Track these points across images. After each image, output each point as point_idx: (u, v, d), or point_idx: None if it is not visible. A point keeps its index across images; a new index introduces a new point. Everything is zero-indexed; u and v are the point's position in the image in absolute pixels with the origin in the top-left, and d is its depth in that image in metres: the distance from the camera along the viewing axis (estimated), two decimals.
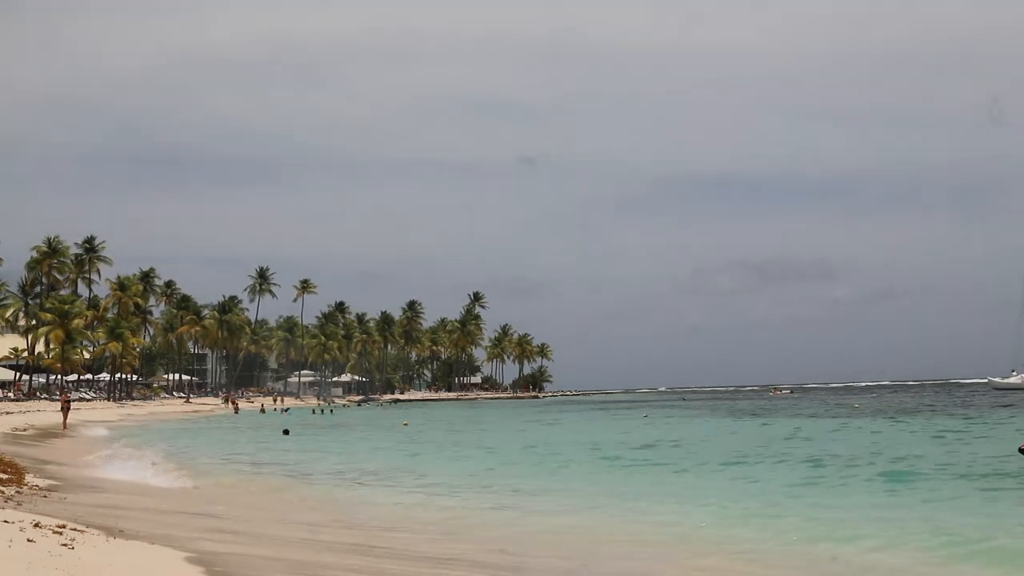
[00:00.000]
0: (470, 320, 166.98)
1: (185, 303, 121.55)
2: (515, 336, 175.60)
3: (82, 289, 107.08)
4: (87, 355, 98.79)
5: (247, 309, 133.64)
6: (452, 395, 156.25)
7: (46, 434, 41.60)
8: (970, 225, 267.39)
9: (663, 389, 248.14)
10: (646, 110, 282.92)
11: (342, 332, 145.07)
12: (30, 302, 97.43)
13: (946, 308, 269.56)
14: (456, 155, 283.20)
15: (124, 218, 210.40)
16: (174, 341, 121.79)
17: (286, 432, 48.60)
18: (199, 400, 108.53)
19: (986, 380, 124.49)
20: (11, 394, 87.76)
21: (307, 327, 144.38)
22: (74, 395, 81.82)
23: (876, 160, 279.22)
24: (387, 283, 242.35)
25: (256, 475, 25.85)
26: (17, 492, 15.51)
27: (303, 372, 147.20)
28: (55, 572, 8.69)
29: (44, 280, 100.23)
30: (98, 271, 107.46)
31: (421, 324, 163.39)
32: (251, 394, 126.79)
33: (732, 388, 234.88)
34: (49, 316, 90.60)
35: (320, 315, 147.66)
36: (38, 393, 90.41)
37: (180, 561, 10.34)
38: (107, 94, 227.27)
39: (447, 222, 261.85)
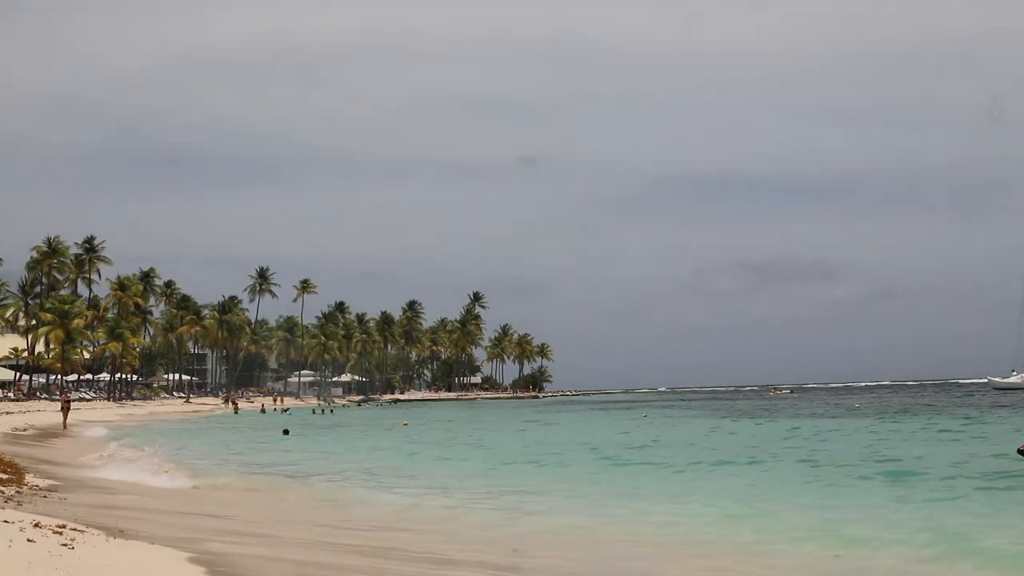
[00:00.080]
0: (470, 320, 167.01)
1: (185, 303, 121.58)
2: (515, 336, 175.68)
3: (82, 289, 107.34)
4: (87, 355, 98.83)
5: (247, 309, 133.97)
6: (452, 395, 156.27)
7: (46, 434, 41.60)
8: (970, 225, 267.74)
9: (663, 389, 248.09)
10: (646, 110, 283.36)
11: (342, 332, 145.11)
12: (30, 302, 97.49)
13: (946, 308, 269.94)
14: (456, 155, 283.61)
15: (124, 218, 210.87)
16: (174, 341, 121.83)
17: (286, 432, 48.59)
18: (199, 400, 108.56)
19: (986, 380, 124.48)
20: (11, 394, 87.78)
21: (307, 327, 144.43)
22: (74, 395, 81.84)
23: (876, 160, 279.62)
24: (387, 283, 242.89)
25: (256, 475, 25.84)
26: (17, 492, 15.51)
27: (303, 372, 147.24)
28: (55, 572, 8.69)
29: (44, 280, 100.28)
30: (98, 271, 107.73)
31: (421, 324, 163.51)
32: (251, 394, 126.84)
33: (732, 388, 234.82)
34: (49, 316, 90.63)
35: (320, 315, 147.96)
36: (38, 393, 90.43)
37: (180, 561, 10.34)
38: (107, 94, 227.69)
39: (447, 222, 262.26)
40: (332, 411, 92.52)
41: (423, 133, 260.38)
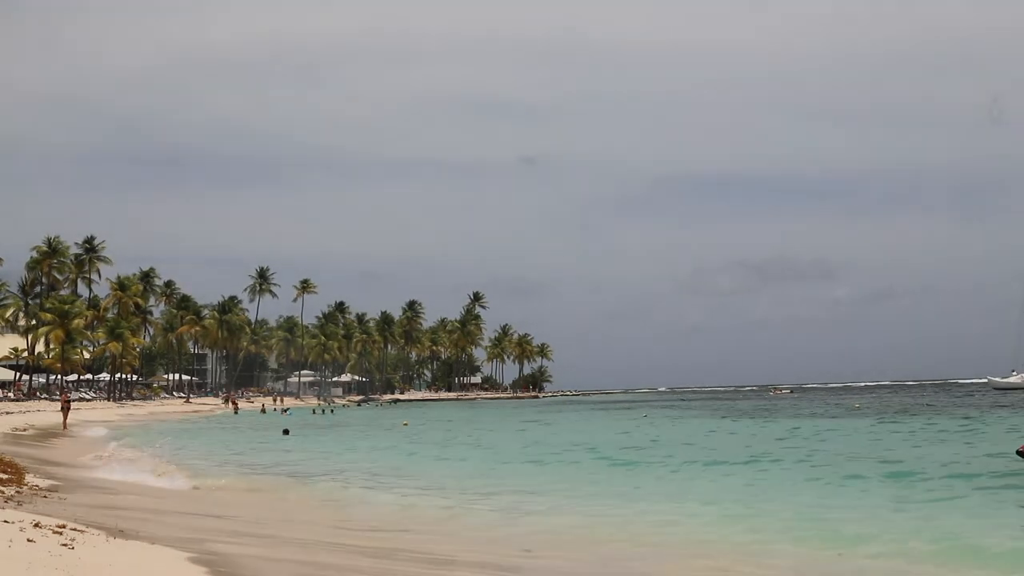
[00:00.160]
0: (470, 320, 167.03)
1: (185, 303, 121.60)
2: (515, 336, 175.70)
3: (82, 289, 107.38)
4: (87, 355, 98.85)
5: (247, 309, 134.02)
6: (452, 395, 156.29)
7: (46, 434, 41.60)
8: (970, 225, 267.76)
9: (663, 389, 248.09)
10: (646, 110, 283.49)
11: (342, 332, 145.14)
12: (30, 302, 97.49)
13: (946, 308, 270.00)
14: (456, 155, 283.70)
15: (124, 218, 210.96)
16: (174, 341, 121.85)
17: (286, 432, 48.60)
18: (199, 400, 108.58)
19: (986, 380, 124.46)
20: (11, 394, 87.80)
21: (307, 327, 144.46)
22: (74, 395, 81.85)
23: (876, 160, 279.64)
24: (387, 283, 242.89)
25: (256, 475, 25.84)
26: (17, 492, 15.51)
27: (303, 372, 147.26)
28: (55, 572, 8.69)
29: (44, 280, 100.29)
30: (98, 271, 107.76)
31: (421, 324, 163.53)
32: (251, 394, 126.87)
33: (732, 388, 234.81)
34: (49, 316, 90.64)
35: (320, 315, 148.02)
36: (38, 393, 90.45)
37: (181, 561, 10.34)
38: (107, 94, 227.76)
39: (447, 222, 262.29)
40: (332, 411, 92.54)
41: (423, 133, 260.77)
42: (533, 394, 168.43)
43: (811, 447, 32.38)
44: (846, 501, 18.39)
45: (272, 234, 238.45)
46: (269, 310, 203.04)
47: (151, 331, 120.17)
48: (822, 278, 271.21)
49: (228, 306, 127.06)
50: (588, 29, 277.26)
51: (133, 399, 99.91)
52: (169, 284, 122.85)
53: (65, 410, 49.84)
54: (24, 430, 42.38)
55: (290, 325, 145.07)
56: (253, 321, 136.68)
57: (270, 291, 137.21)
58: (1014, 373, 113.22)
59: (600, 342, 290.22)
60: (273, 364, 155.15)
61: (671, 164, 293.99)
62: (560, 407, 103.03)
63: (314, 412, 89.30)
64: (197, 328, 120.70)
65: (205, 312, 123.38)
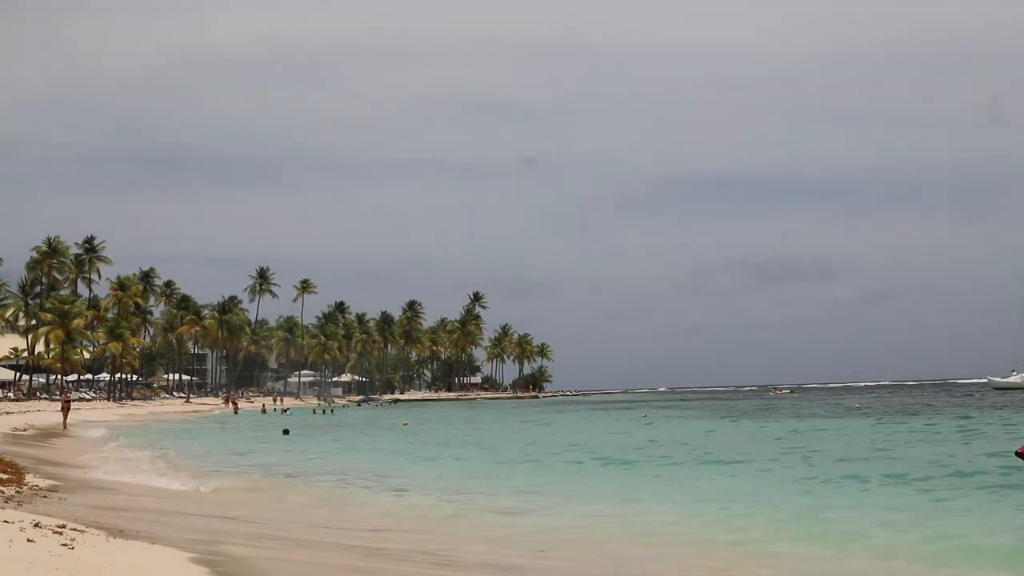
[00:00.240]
0: (470, 320, 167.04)
1: (185, 303, 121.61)
2: (515, 336, 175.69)
3: (82, 289, 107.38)
4: (87, 355, 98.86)
5: (247, 309, 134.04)
6: (452, 395, 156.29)
7: (46, 434, 41.61)
8: (970, 225, 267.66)
9: (663, 389, 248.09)
10: (646, 110, 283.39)
11: (342, 332, 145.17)
12: (30, 302, 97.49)
13: (946, 308, 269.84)
14: (456, 155, 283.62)
15: (124, 218, 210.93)
16: (174, 341, 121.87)
17: (286, 432, 48.61)
18: (199, 400, 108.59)
19: (986, 380, 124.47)
20: (11, 394, 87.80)
21: (307, 327, 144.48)
22: (74, 395, 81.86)
23: (876, 160, 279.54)
24: (387, 283, 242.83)
25: (256, 475, 25.84)
26: (17, 492, 15.52)
27: (303, 372, 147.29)
28: (55, 572, 8.70)
29: (44, 280, 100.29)
30: (98, 271, 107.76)
31: (421, 324, 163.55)
32: (251, 394, 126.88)
33: (732, 388, 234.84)
34: (49, 316, 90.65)
35: (320, 315, 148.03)
36: (38, 393, 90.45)
37: (181, 561, 10.35)
38: (107, 94, 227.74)
39: (447, 222, 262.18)
40: (332, 411, 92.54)
41: (423, 133, 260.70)
42: (533, 394, 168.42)
43: (811, 447, 32.38)
44: (846, 501, 18.41)
45: (272, 234, 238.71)
46: (269, 310, 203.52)
47: (151, 331, 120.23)
48: (822, 278, 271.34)
49: (228, 306, 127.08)
50: (588, 29, 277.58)
51: (133, 399, 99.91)
52: (169, 284, 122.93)
53: (65, 410, 49.86)
54: (24, 430, 42.39)
55: (290, 325, 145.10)
56: (253, 321, 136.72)
57: (270, 291, 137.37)
58: (1014, 373, 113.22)
59: (600, 342, 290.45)
60: (273, 364, 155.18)
61: (671, 164, 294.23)
62: (560, 407, 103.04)
63: (314, 412, 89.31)
64: (197, 328, 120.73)
65: (205, 312, 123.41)
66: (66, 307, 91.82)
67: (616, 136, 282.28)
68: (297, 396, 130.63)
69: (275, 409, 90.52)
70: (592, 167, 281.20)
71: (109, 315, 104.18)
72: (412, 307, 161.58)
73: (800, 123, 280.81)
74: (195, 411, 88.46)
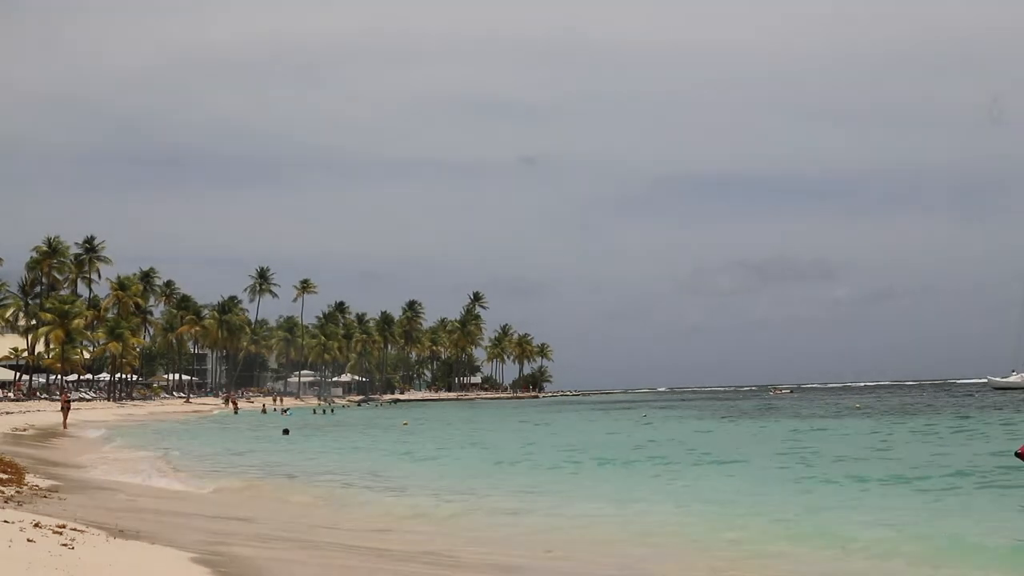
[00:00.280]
0: (470, 320, 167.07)
1: (185, 303, 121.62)
2: (515, 336, 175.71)
3: (82, 289, 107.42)
4: (87, 355, 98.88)
5: (247, 309, 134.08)
6: (452, 395, 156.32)
7: (46, 434, 41.63)
8: (970, 225, 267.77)
9: (663, 389, 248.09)
10: (646, 110, 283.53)
11: (342, 332, 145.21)
12: (30, 302, 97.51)
13: (946, 308, 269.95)
14: (456, 155, 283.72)
15: (124, 218, 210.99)
16: (174, 341, 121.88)
17: (286, 432, 48.61)
18: (199, 400, 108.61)
19: (986, 380, 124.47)
20: (11, 394, 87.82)
21: (307, 327, 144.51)
22: (74, 395, 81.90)
23: (876, 160, 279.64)
24: (387, 283, 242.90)
25: (256, 475, 25.84)
26: (17, 492, 15.52)
27: (303, 372, 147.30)
28: (55, 572, 8.70)
29: (44, 280, 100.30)
30: (98, 271, 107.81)
31: (421, 324, 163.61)
32: (251, 394, 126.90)
33: (732, 388, 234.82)
34: (49, 316, 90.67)
35: (320, 315, 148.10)
36: (38, 393, 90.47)
37: (181, 561, 10.36)
38: (107, 94, 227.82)
39: (447, 222, 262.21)
40: (332, 411, 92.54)
41: (423, 133, 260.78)
42: (533, 394, 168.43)
43: (811, 447, 32.39)
44: (845, 501, 18.40)
45: (272, 234, 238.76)
46: (269, 310, 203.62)
47: (151, 331, 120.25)
48: (822, 278, 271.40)
49: (228, 306, 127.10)
50: (588, 29, 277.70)
51: (133, 399, 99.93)
52: (169, 284, 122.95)
53: (65, 410, 49.89)
54: (24, 430, 42.41)
55: (290, 325, 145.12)
56: (253, 321, 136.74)
57: (270, 291, 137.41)
58: (1014, 373, 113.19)
59: (600, 342, 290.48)
60: (273, 364, 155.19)
61: (671, 164, 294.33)
62: (560, 407, 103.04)
63: (314, 412, 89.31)
64: (197, 328, 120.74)
65: (205, 312, 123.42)
66: (66, 307, 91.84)
67: (616, 136, 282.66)
68: (297, 396, 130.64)
69: (275, 409, 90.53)
70: (592, 167, 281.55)
71: (109, 315, 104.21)
72: (412, 307, 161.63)
73: (800, 123, 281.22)
74: (195, 411, 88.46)
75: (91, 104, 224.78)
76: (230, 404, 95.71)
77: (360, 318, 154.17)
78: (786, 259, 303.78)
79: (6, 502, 13.80)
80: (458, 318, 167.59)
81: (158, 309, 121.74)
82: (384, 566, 11.75)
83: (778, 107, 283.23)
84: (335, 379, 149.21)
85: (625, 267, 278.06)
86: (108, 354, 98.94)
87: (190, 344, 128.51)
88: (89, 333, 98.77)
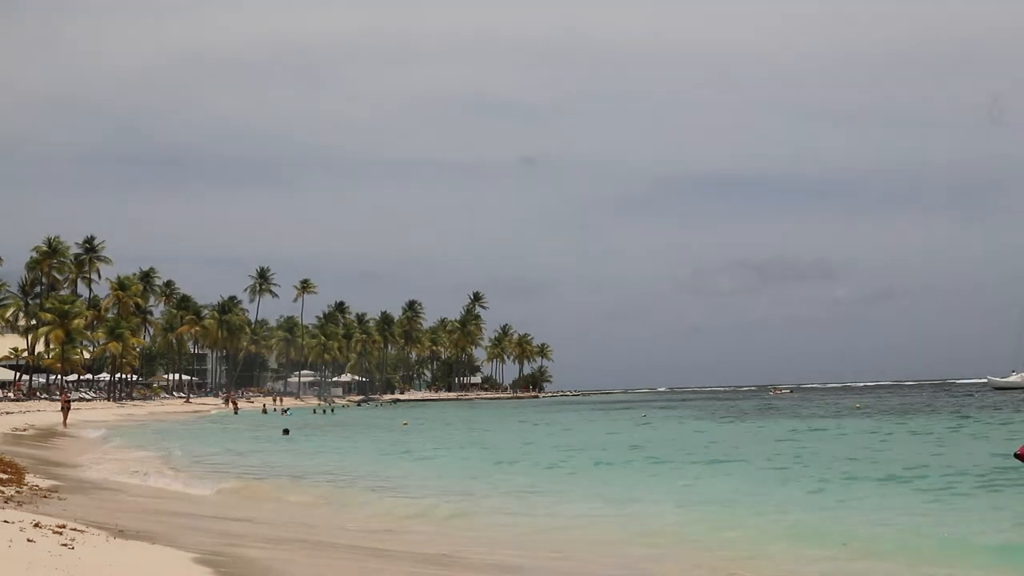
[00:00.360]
0: (470, 320, 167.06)
1: (185, 303, 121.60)
2: (515, 336, 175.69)
3: (82, 289, 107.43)
4: (87, 355, 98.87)
5: (247, 309, 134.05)
6: (452, 395, 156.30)
7: (46, 434, 41.64)
8: (970, 225, 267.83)
9: (663, 389, 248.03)
10: (646, 110, 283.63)
11: (342, 332, 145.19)
12: (30, 302, 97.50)
13: (946, 308, 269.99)
14: (456, 155, 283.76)
15: (124, 218, 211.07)
16: (174, 341, 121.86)
17: (286, 432, 48.61)
18: (199, 400, 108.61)
19: (986, 380, 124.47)
20: (11, 394, 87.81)
21: (307, 327, 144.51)
22: (74, 395, 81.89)
23: (876, 160, 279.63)
24: (387, 283, 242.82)
25: (256, 476, 25.84)
26: (17, 492, 15.53)
27: (303, 372, 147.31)
28: (55, 572, 8.71)
29: (44, 280, 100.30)
30: (98, 271, 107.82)
31: (421, 324, 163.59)
32: (251, 394, 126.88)
33: (731, 388, 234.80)
34: (49, 316, 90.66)
35: (320, 315, 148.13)
36: (38, 393, 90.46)
37: (182, 561, 10.37)
38: (107, 94, 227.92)
39: (447, 222, 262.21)
40: (332, 411, 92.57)
41: (423, 133, 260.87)
42: (533, 394, 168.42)
43: (810, 447, 32.41)
44: (845, 501, 18.41)
45: (272, 234, 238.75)
46: (269, 310, 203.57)
47: (151, 331, 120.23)
48: (822, 278, 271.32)
49: (228, 306, 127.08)
50: (588, 29, 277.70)
51: (133, 399, 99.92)
52: (169, 284, 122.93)
53: (65, 410, 49.91)
54: (24, 430, 42.41)
55: (290, 325, 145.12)
56: (253, 321, 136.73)
57: (270, 291, 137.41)
58: (1014, 373, 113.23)
59: (600, 342, 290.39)
60: (273, 364, 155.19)
61: (671, 164, 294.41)
62: (560, 407, 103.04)
63: (314, 412, 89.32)
64: (197, 328, 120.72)
65: (205, 312, 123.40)
66: (66, 307, 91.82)
67: (616, 136, 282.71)
68: (297, 396, 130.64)
69: (275, 409, 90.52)
70: (592, 167, 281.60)
71: (109, 315, 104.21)
72: (412, 307, 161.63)
73: (800, 123, 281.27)
74: (195, 411, 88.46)
75: (91, 104, 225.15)
76: (230, 404, 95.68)
77: (360, 318, 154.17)
78: (786, 259, 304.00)
79: (6, 502, 13.81)
80: (458, 318, 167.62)
81: (158, 309, 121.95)
82: (384, 566, 11.76)
83: (778, 107, 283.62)
84: (335, 379, 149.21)
85: (625, 267, 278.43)
86: (108, 354, 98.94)
87: (190, 344, 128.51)
88: (89, 333, 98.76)
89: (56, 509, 13.87)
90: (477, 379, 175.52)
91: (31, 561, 8.96)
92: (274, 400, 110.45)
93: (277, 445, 40.49)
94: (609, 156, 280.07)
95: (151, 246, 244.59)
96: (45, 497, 15.59)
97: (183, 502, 18.75)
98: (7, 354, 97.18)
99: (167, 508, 16.97)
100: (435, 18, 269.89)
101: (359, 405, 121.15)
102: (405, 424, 60.34)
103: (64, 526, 11.35)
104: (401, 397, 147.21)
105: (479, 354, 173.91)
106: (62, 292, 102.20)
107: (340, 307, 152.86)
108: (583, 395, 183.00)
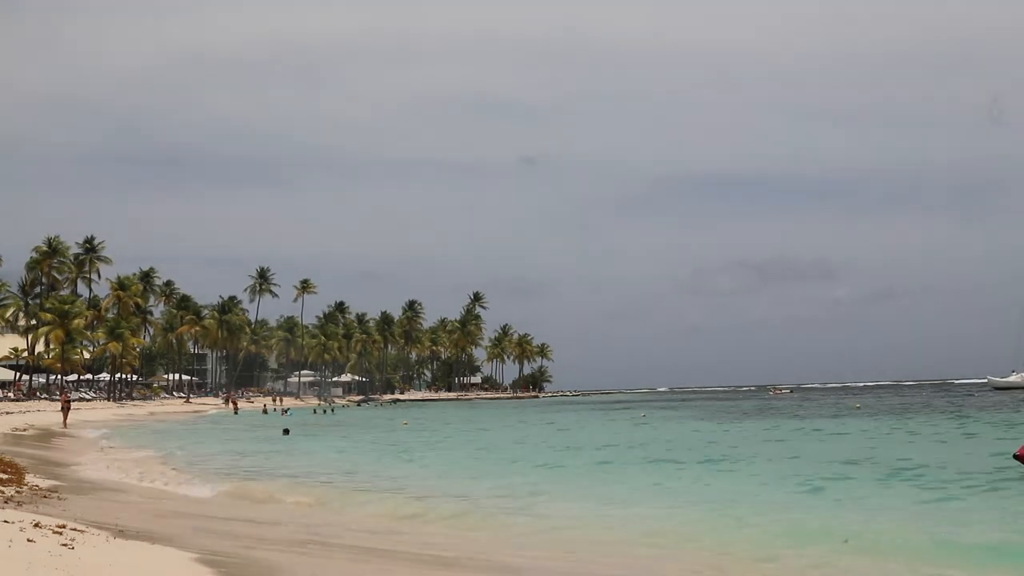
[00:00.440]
0: (470, 320, 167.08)
1: (185, 303, 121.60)
2: (515, 336, 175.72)
3: (82, 289, 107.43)
4: (87, 355, 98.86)
5: (247, 309, 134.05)
6: (452, 395, 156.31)
7: (46, 434, 41.64)
8: (970, 225, 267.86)
9: (663, 389, 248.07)
10: (646, 110, 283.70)
11: (342, 332, 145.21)
12: (30, 302, 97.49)
13: (946, 308, 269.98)
14: (456, 155, 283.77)
15: (124, 218, 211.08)
16: (174, 341, 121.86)
17: (286, 432, 48.60)
18: (199, 400, 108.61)
19: (986, 380, 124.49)
20: (11, 394, 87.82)
21: (307, 327, 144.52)
22: (74, 395, 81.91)
23: (876, 160, 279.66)
24: (387, 283, 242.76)
25: (255, 476, 25.85)
26: (17, 492, 15.53)
27: (303, 372, 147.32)
28: (55, 572, 8.71)
29: (44, 280, 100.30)
30: (98, 271, 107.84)
31: (421, 324, 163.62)
32: (251, 394, 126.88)
33: (731, 388, 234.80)
34: (49, 316, 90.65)
35: (320, 315, 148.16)
36: (38, 393, 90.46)
37: (182, 561, 10.37)
38: (107, 94, 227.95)
39: (447, 222, 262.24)
40: (332, 411, 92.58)
41: (423, 133, 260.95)
42: (533, 394, 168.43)
43: (810, 447, 32.42)
44: (844, 500, 18.41)
45: (272, 234, 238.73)
46: (269, 310, 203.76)
47: (151, 331, 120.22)
48: (822, 278, 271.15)
49: (228, 306, 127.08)
50: (588, 29, 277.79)
51: (133, 399, 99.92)
52: (169, 284, 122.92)
53: (65, 410, 49.91)
54: (24, 430, 42.41)
55: (290, 325, 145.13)
56: (253, 321, 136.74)
57: (270, 291, 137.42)
58: (1014, 373, 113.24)
59: (600, 342, 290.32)
60: (273, 364, 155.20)
61: (671, 164, 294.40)
62: (560, 407, 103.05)
63: (314, 412, 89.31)
64: (197, 328, 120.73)
65: (205, 312, 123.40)
66: (66, 307, 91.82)
67: (616, 136, 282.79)
68: (297, 396, 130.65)
69: (275, 409, 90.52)
70: (592, 167, 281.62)
71: (109, 315, 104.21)
72: (412, 307, 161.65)
73: (800, 123, 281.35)
74: (195, 411, 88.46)
75: (91, 104, 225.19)
76: (230, 404, 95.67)
77: (360, 318, 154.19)
78: (786, 259, 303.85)
79: (6, 502, 13.81)
80: (458, 318, 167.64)
81: (158, 309, 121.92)
82: (385, 566, 11.76)
83: (778, 107, 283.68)
84: (335, 379, 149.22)
85: (625, 267, 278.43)
86: (108, 354, 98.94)
87: (190, 344, 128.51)
88: (89, 333, 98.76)
89: (56, 509, 13.87)
90: (477, 379, 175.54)
91: (31, 561, 8.96)
92: (274, 400, 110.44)
93: (277, 445, 40.47)
94: (609, 156, 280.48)
95: (151, 246, 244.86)
96: (45, 497, 15.60)
97: (183, 502, 18.75)
98: (7, 354, 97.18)
99: (167, 508, 16.97)
100: (435, 18, 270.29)
101: (359, 405, 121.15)
102: (405, 424, 60.34)
103: (64, 526, 11.35)
104: (401, 397, 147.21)
105: (479, 354, 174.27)
106: (62, 292, 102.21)
107: (340, 307, 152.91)
108: (583, 395, 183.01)
